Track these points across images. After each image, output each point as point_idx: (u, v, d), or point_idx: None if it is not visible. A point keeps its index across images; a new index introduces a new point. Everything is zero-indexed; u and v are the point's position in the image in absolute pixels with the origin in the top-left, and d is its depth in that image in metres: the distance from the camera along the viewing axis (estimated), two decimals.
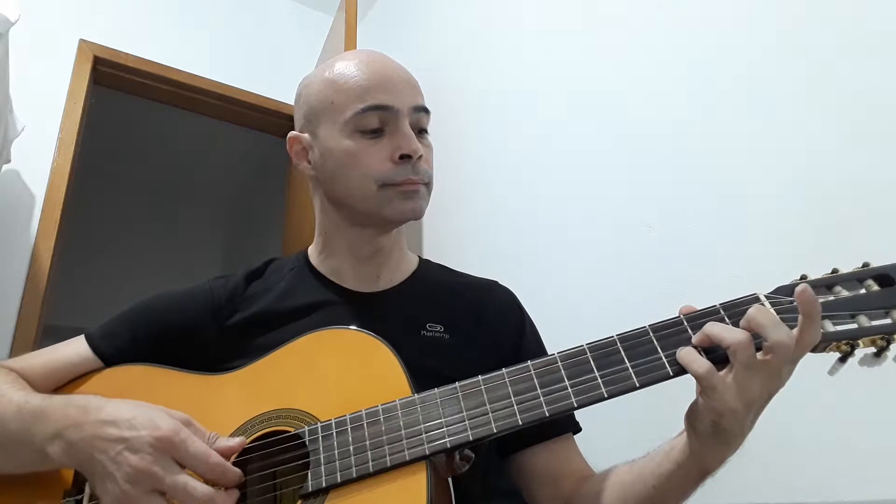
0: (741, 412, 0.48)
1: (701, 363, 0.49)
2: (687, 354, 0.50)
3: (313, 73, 0.79)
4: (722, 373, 0.49)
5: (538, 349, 0.78)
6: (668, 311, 0.54)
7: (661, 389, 0.51)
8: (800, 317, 0.48)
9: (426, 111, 0.76)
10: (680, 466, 0.54)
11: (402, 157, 0.71)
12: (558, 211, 1.31)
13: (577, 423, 0.74)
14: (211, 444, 0.56)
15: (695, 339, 0.51)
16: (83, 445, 0.55)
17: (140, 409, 0.57)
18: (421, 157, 0.72)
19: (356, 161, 0.71)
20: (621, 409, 0.67)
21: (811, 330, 0.48)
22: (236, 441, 0.58)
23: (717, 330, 0.50)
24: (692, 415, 0.52)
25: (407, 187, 0.71)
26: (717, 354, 0.50)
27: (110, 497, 0.53)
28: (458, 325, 0.73)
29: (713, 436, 0.50)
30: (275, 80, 2.20)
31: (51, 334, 1.54)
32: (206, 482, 0.54)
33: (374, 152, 0.71)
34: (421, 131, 0.75)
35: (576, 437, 0.74)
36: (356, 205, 0.73)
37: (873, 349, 0.48)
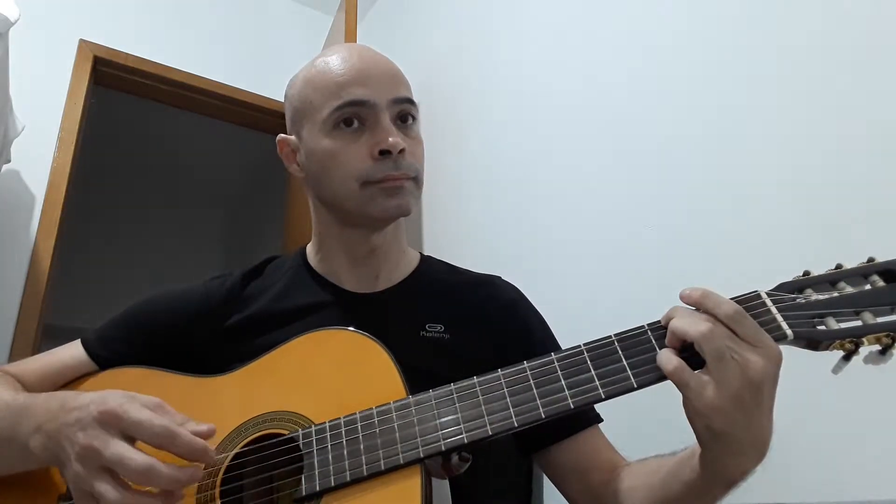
0: (729, 410, 0.45)
1: (669, 360, 0.48)
2: (661, 355, 0.49)
3: (297, 73, 0.77)
4: (697, 371, 0.47)
5: (550, 344, 0.76)
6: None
7: None
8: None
9: (410, 102, 0.72)
10: (699, 475, 0.51)
11: (381, 152, 0.68)
12: (558, 210, 1.30)
13: (598, 414, 0.72)
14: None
15: (666, 340, 0.50)
16: (55, 435, 0.54)
17: (106, 391, 0.54)
18: (403, 150, 0.68)
19: (336, 160, 0.69)
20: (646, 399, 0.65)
21: (708, 307, 0.47)
22: (205, 427, 0.54)
23: (681, 325, 0.48)
24: (690, 424, 0.49)
25: (389, 183, 0.68)
26: (697, 356, 0.48)
27: (70, 482, 0.52)
28: (459, 324, 0.72)
29: (715, 441, 0.48)
30: (275, 80, 2.18)
31: (51, 334, 1.55)
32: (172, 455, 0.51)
33: (353, 150, 0.69)
34: (406, 123, 0.72)
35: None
36: (342, 205, 0.71)
37: (878, 347, 0.47)
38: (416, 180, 0.72)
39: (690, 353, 0.48)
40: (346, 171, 0.69)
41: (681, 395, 0.48)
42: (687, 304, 0.49)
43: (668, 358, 0.48)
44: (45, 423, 0.55)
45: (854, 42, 0.82)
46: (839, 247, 0.59)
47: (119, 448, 0.49)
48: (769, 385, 0.47)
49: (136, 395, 0.54)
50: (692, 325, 0.47)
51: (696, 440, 0.51)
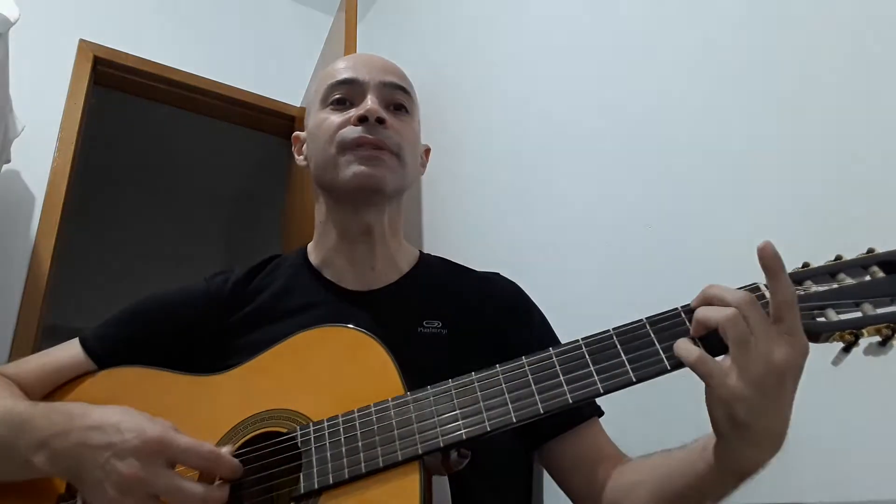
0: (753, 398, 0.45)
1: (691, 351, 0.48)
2: (680, 345, 0.49)
3: None
4: (720, 358, 0.47)
5: (550, 339, 0.76)
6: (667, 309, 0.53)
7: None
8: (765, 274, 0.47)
9: (401, 88, 0.77)
10: (713, 467, 0.51)
11: (360, 119, 0.72)
12: (558, 210, 1.30)
13: (599, 407, 0.72)
14: None
15: (692, 330, 0.49)
16: (69, 453, 0.54)
17: (126, 414, 0.56)
18: (384, 121, 0.72)
19: (321, 129, 0.74)
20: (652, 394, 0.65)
21: (776, 283, 0.46)
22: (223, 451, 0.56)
23: (707, 313, 0.48)
24: (709, 413, 0.49)
25: (364, 151, 0.71)
26: (715, 343, 0.48)
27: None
28: (457, 321, 0.72)
29: (735, 431, 0.47)
30: (275, 80, 2.20)
31: (51, 334, 1.54)
32: (204, 475, 0.54)
33: (337, 119, 0.74)
34: (398, 109, 0.77)
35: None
36: (325, 175, 0.74)
37: (878, 338, 0.46)
38: (399, 157, 0.74)
39: (705, 342, 0.48)
40: (327, 136, 0.73)
41: (703, 384, 0.47)
42: (759, 255, 0.48)
43: (688, 349, 0.48)
44: (52, 440, 0.55)
45: (854, 41, 0.82)
46: (839, 238, 0.59)
47: (174, 480, 0.52)
48: (792, 375, 0.46)
49: (152, 418, 0.56)
50: (716, 312, 0.47)
51: (711, 431, 0.50)
